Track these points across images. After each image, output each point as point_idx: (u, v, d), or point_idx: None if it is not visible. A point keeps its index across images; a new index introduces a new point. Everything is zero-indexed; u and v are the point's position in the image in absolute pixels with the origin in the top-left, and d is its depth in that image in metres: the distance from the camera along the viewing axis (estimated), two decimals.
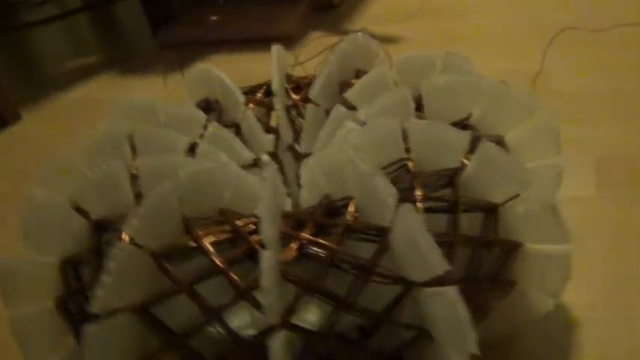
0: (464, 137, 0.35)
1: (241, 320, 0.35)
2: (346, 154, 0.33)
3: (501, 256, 0.37)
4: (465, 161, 0.36)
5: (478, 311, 0.38)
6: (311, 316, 0.34)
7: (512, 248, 0.37)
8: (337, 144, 0.38)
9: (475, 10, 1.03)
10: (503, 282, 0.38)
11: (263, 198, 0.31)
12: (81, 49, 1.28)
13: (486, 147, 0.34)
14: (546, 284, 0.38)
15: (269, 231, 0.30)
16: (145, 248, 0.32)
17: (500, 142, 0.41)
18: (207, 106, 0.51)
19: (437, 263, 0.29)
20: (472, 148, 0.35)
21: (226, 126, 0.47)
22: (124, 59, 1.11)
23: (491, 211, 0.36)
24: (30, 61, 1.25)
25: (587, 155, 0.60)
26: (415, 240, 0.29)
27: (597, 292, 0.46)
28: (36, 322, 0.38)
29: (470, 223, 0.36)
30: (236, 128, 0.49)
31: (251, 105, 0.49)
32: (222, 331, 0.33)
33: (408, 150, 0.37)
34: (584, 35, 0.76)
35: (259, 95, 0.50)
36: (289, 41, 0.95)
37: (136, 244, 0.32)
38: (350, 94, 0.43)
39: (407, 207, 0.30)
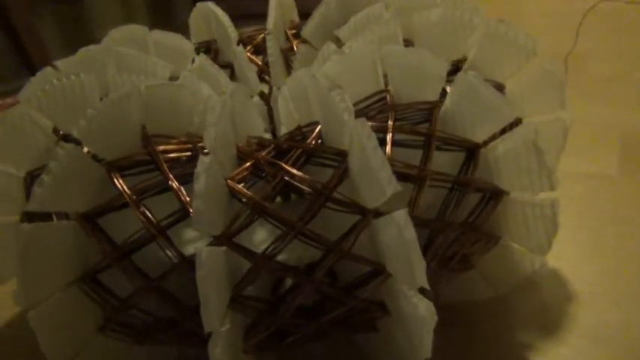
0: (442, 64, 0.32)
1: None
2: (309, 72, 0.31)
3: (482, 203, 0.34)
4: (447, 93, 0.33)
5: (457, 262, 0.36)
6: (263, 245, 0.32)
7: (494, 195, 0.34)
8: None
9: None
10: (485, 233, 0.35)
11: (214, 107, 0.29)
12: (131, 16, 1.30)
13: (466, 76, 0.31)
14: (532, 238, 0.34)
15: (212, 134, 0.28)
16: (95, 155, 0.31)
17: (500, 89, 0.38)
18: (208, 48, 0.50)
19: (386, 182, 0.26)
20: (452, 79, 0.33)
21: (221, 67, 0.46)
22: (169, 29, 1.12)
23: (471, 151, 0.33)
24: (80, 26, 1.27)
25: (612, 136, 0.56)
26: (367, 157, 0.27)
27: (604, 268, 0.42)
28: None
29: (450, 165, 0.34)
30: (231, 70, 0.47)
31: (247, 47, 0.47)
32: (169, 253, 0.31)
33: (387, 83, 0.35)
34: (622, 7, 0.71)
35: (258, 39, 0.49)
36: None
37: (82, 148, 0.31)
38: (341, 31, 0.41)
39: (360, 121, 0.27)
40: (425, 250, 0.32)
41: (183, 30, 0.48)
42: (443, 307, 0.39)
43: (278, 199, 0.37)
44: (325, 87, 0.29)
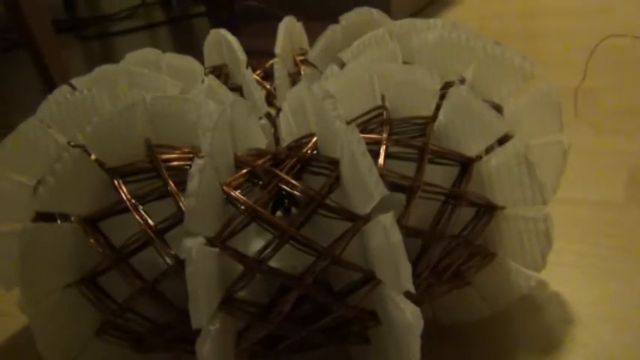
0: (436, 79, 0.33)
1: None
2: (306, 85, 0.32)
3: (477, 218, 0.34)
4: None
5: (452, 276, 0.36)
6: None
7: (488, 209, 0.34)
8: None
9: None
10: (479, 247, 0.35)
11: (212, 114, 0.30)
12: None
13: (458, 90, 0.32)
14: (526, 254, 0.34)
15: (208, 138, 0.29)
16: (99, 160, 0.32)
17: (498, 110, 0.38)
18: (219, 73, 0.52)
19: (373, 185, 0.27)
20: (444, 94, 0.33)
21: (231, 90, 0.47)
22: None
23: (465, 165, 0.34)
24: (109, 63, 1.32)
25: (620, 165, 0.56)
26: (355, 162, 0.28)
27: (606, 292, 0.42)
28: (10, 242, 0.38)
29: (444, 179, 0.34)
30: (240, 93, 0.49)
31: (256, 71, 0.49)
32: (166, 256, 0.32)
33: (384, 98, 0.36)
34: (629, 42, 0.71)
35: (267, 65, 0.50)
36: None
37: (87, 152, 0.32)
38: (345, 54, 0.42)
39: (350, 127, 0.28)
40: (417, 260, 0.32)
41: None
42: (442, 327, 0.39)
43: (279, 212, 0.38)
44: (319, 97, 0.30)
